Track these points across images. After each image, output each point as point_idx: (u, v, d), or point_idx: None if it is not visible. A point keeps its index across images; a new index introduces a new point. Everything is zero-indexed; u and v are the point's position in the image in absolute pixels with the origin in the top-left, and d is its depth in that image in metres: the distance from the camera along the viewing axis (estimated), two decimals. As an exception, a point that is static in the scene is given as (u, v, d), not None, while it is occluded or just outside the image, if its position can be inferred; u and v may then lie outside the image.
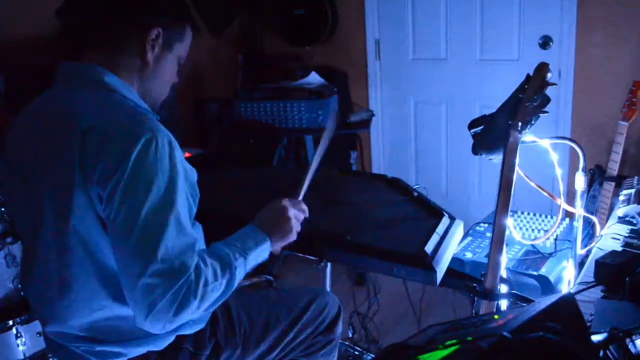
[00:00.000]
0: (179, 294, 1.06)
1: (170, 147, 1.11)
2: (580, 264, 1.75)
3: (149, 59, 1.21)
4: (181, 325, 1.17)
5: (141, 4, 1.20)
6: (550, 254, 2.08)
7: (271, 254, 1.33)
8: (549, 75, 1.34)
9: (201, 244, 1.18)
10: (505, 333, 0.74)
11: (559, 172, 1.56)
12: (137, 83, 1.24)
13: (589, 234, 2.15)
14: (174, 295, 1.05)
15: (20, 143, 1.24)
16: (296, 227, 1.36)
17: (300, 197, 1.44)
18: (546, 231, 2.27)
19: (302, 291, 1.61)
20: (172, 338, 1.28)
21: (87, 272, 1.15)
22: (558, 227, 2.28)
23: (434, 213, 1.65)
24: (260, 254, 1.27)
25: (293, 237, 1.36)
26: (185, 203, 1.14)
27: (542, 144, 1.55)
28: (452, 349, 0.77)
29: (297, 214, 1.37)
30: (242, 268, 1.21)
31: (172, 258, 1.06)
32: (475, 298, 1.40)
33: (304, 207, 1.41)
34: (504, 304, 1.37)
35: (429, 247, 1.42)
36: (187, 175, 1.17)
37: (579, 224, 1.71)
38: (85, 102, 1.16)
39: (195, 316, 1.13)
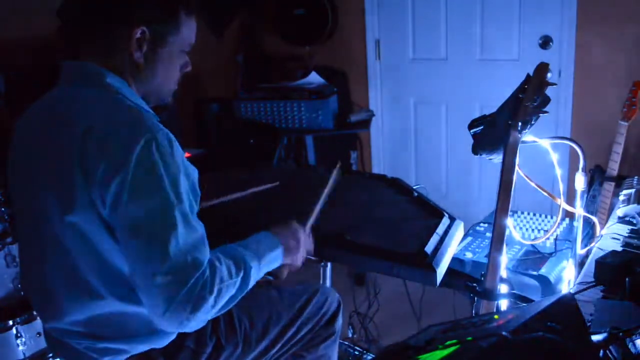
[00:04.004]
0: (194, 289, 1.06)
1: (170, 145, 1.11)
2: (580, 264, 1.75)
3: (137, 59, 1.20)
4: None
5: (121, 3, 1.17)
6: (550, 254, 2.08)
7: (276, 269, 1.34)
8: (549, 75, 1.34)
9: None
10: (505, 333, 0.74)
11: (559, 172, 1.56)
12: (134, 82, 1.23)
13: (589, 234, 2.15)
14: (189, 291, 1.06)
15: (23, 142, 1.25)
16: (303, 253, 1.38)
17: (307, 229, 1.44)
18: (546, 231, 2.27)
19: (302, 288, 1.62)
20: (174, 336, 1.29)
21: (90, 268, 1.16)
22: (558, 227, 2.28)
23: (434, 213, 1.65)
24: (273, 260, 1.29)
25: (299, 262, 1.37)
26: (188, 200, 1.14)
27: (542, 144, 1.55)
28: (452, 349, 0.78)
29: (306, 243, 1.39)
30: (257, 269, 1.22)
31: (184, 254, 1.07)
32: (475, 298, 1.40)
33: (311, 241, 1.43)
34: (504, 304, 1.37)
35: (429, 247, 1.42)
36: (187, 174, 1.17)
37: (579, 224, 1.71)
38: (87, 102, 1.17)
39: (208, 316, 1.13)
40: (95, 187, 1.08)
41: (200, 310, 1.08)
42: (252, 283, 1.21)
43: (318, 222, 1.50)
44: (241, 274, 1.17)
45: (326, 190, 1.63)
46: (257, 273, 1.22)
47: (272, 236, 1.31)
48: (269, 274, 1.35)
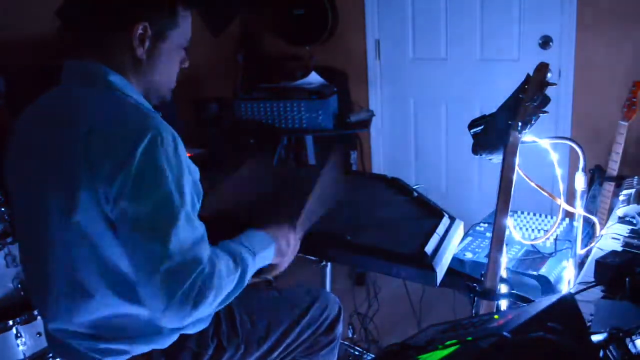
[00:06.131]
0: (194, 286, 1.07)
1: (175, 143, 1.11)
2: (580, 264, 1.75)
3: (140, 54, 1.20)
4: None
5: (121, 1, 1.18)
6: (550, 254, 2.08)
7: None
8: (549, 75, 1.34)
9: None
10: (505, 333, 0.74)
11: (559, 172, 1.56)
12: (135, 79, 1.23)
13: (589, 234, 2.15)
14: (189, 288, 1.06)
15: (25, 141, 1.25)
16: (290, 257, 1.38)
17: (298, 233, 1.44)
18: (546, 231, 2.27)
19: (303, 292, 1.62)
20: (175, 337, 1.29)
21: (92, 269, 1.16)
22: (558, 227, 2.27)
23: (434, 213, 1.66)
24: (266, 255, 1.30)
25: (285, 265, 1.38)
26: (191, 198, 1.14)
27: (542, 144, 1.55)
28: (452, 349, 0.78)
29: (294, 247, 1.39)
30: (252, 265, 1.23)
31: (184, 251, 1.07)
32: (475, 298, 1.40)
33: (298, 245, 1.42)
34: (504, 304, 1.37)
35: (429, 248, 1.42)
36: (190, 173, 1.17)
37: (579, 224, 1.71)
38: (89, 101, 1.17)
39: (208, 312, 1.14)
40: (100, 184, 1.08)
41: (200, 306, 1.08)
42: (249, 277, 1.22)
43: (318, 222, 1.49)
44: (239, 270, 1.18)
45: (316, 189, 1.56)
46: (252, 269, 1.24)
47: (266, 234, 1.32)
48: (264, 273, 1.35)
